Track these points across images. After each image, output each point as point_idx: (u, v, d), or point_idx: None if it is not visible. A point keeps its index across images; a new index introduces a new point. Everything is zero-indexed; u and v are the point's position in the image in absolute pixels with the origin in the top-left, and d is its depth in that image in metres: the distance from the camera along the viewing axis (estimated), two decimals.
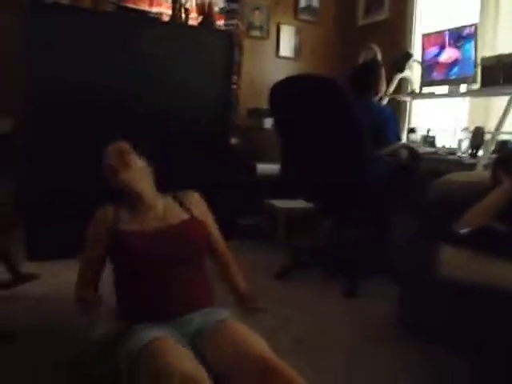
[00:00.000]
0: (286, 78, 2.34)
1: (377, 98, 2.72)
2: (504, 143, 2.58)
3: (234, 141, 3.41)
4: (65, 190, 2.62)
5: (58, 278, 2.33)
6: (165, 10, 3.32)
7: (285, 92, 2.34)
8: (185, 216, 1.49)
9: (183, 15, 3.23)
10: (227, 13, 3.64)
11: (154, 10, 3.31)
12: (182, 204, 1.53)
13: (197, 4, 3.48)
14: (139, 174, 1.45)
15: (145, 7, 3.29)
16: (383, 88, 2.71)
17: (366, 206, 2.39)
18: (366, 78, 2.62)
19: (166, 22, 3.21)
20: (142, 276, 1.35)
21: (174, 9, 3.21)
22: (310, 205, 3.13)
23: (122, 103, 2.77)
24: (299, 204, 3.27)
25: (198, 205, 1.57)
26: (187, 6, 3.27)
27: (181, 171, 2.50)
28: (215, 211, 1.63)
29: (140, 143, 1.51)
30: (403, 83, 3.47)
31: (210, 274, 1.54)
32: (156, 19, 3.15)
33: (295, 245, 3.16)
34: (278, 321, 2.01)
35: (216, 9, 3.57)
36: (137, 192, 1.44)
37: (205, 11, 3.38)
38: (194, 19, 3.39)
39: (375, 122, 2.38)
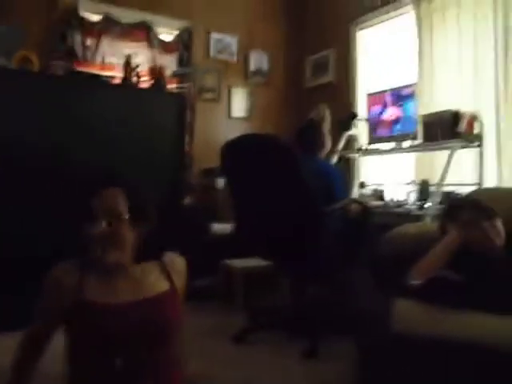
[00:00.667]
0: (237, 138, 2.37)
1: (322, 155, 2.77)
2: (449, 194, 2.68)
3: (187, 201, 3.38)
4: None
5: None
6: (116, 74, 3.36)
7: (235, 151, 2.36)
8: (163, 286, 1.26)
9: (135, 78, 3.27)
10: (179, 76, 3.73)
11: (106, 73, 3.34)
12: (163, 269, 1.30)
13: (149, 68, 3.55)
14: (129, 245, 1.20)
15: (96, 71, 3.33)
16: (328, 145, 2.77)
17: (321, 262, 2.37)
18: (309, 136, 2.68)
19: (116, 85, 3.24)
20: (106, 354, 1.14)
21: (125, 72, 3.25)
22: (267, 263, 3.09)
23: (71, 167, 2.71)
24: (256, 262, 3.22)
25: (181, 274, 1.34)
26: (139, 69, 3.32)
27: None
28: None
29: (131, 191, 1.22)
30: (351, 141, 3.60)
31: (181, 353, 1.37)
32: (106, 82, 3.16)
33: (254, 305, 3.07)
34: None
35: (168, 72, 3.65)
36: (119, 264, 1.20)
37: (156, 75, 3.44)
38: (145, 82, 3.45)
39: (322, 179, 2.42)
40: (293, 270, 2.66)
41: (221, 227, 3.41)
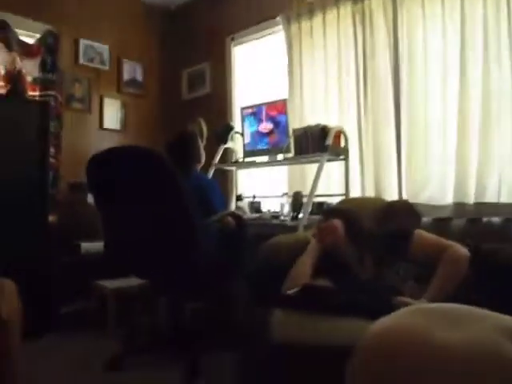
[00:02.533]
0: (104, 150, 2.20)
1: (198, 168, 2.72)
2: (320, 204, 2.82)
3: (53, 218, 3.08)
4: None
5: None
6: None
7: (102, 164, 2.19)
8: None
9: None
10: (42, 83, 3.41)
11: None
12: None
13: (6, 72, 3.19)
14: None
15: None
16: (203, 158, 2.73)
17: (199, 278, 2.31)
18: (182, 149, 2.61)
19: None
20: None
21: None
22: (142, 281, 2.94)
23: None
24: (132, 282, 3.05)
25: (7, 300, 1.25)
26: None
27: None
28: (29, 301, 1.35)
29: None
30: (228, 153, 3.63)
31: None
32: None
33: (129, 328, 2.89)
34: None
35: (29, 78, 3.33)
36: None
37: (14, 80, 3.11)
38: (1, 88, 3.09)
39: (199, 192, 2.36)
40: (169, 287, 2.55)
41: (92, 246, 3.17)
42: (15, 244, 2.67)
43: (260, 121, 3.27)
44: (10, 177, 2.74)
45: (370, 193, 2.81)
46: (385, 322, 0.94)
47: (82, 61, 3.76)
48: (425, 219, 2.39)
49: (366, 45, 2.87)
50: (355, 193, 2.88)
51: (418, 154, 2.62)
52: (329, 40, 3.06)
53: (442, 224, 2.43)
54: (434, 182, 2.56)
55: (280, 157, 3.12)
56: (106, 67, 3.92)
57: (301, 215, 2.66)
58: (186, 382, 2.14)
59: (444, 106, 2.52)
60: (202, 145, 2.70)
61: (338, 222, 1.80)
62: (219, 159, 3.46)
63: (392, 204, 2.36)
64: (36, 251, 2.80)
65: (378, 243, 1.78)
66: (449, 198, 2.48)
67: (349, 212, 1.94)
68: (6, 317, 1.23)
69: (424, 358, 0.80)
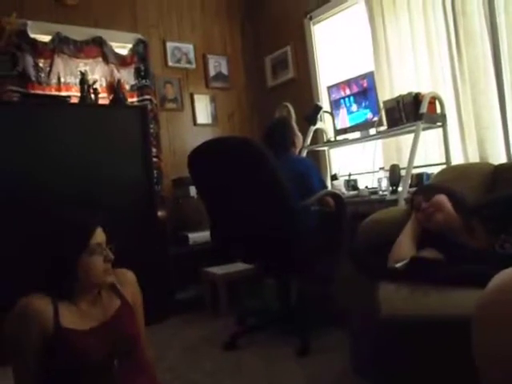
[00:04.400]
0: (203, 143, 2.34)
1: (296, 152, 2.77)
2: (419, 176, 2.72)
3: (161, 214, 3.32)
4: None
5: None
6: (73, 93, 3.28)
7: (203, 156, 2.33)
8: (117, 302, 1.36)
9: (92, 96, 3.20)
10: (139, 89, 3.67)
11: (63, 93, 3.26)
12: (112, 285, 1.38)
13: (106, 84, 3.49)
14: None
15: (52, 92, 3.25)
16: (300, 141, 2.77)
17: (302, 258, 2.36)
18: (280, 133, 2.67)
19: (74, 104, 3.15)
20: (81, 376, 1.21)
21: (82, 90, 3.17)
22: (249, 266, 3.06)
23: (37, 196, 2.66)
24: (238, 267, 3.20)
25: (130, 287, 1.42)
26: (96, 86, 3.25)
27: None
28: (148, 290, 1.51)
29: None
30: (319, 134, 3.62)
31: (151, 362, 1.43)
32: (64, 102, 3.07)
33: (240, 310, 3.04)
34: None
35: (127, 86, 3.60)
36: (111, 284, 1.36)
37: (115, 90, 3.38)
38: (104, 99, 3.38)
39: (298, 175, 2.40)
40: (273, 270, 2.64)
41: (198, 236, 3.37)
42: (131, 239, 2.92)
43: (347, 97, 3.21)
44: (119, 178, 2.99)
45: (474, 159, 2.64)
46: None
47: (170, 63, 3.96)
48: None
49: (455, 0, 2.67)
50: (456, 160, 2.73)
51: None
52: (412, 0, 2.90)
53: None
54: None
55: (372, 131, 3.04)
56: (193, 66, 4.09)
57: (400, 188, 2.59)
58: (298, 357, 2.21)
59: None
60: (296, 128, 2.74)
61: (443, 198, 1.70)
62: (311, 141, 3.47)
63: (500, 167, 2.20)
64: (149, 244, 3.04)
65: (489, 211, 1.68)
66: None
67: (448, 186, 1.84)
68: (131, 301, 1.39)
69: None
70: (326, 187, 2.78)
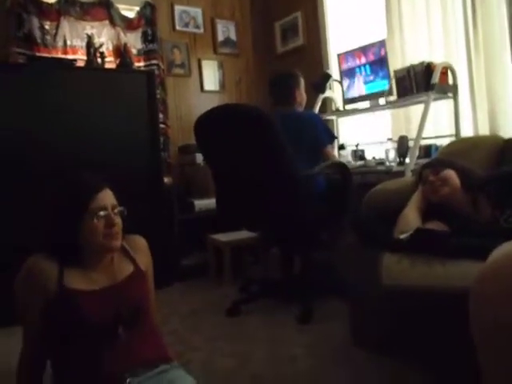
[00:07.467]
0: (209, 110, 2.31)
1: (300, 109, 2.72)
2: (427, 147, 2.69)
3: (167, 180, 3.33)
4: None
5: None
6: (80, 57, 3.24)
7: (209, 124, 2.31)
8: (129, 268, 1.33)
9: (99, 59, 3.15)
10: (146, 54, 3.62)
11: (69, 57, 3.22)
12: (126, 251, 1.36)
13: (112, 47, 3.43)
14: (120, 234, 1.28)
15: (58, 55, 3.22)
16: (303, 99, 2.72)
17: (305, 229, 2.37)
18: (284, 81, 2.63)
19: (80, 67, 3.12)
20: (86, 339, 1.19)
21: (88, 54, 3.13)
22: (253, 234, 3.09)
23: (42, 156, 2.66)
24: (243, 235, 3.22)
25: (142, 254, 1.41)
26: (102, 49, 3.20)
27: None
28: (155, 256, 1.49)
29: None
30: (327, 103, 3.57)
31: (158, 328, 1.45)
32: (70, 65, 3.04)
33: (244, 277, 3.09)
34: (236, 358, 1.92)
35: (133, 51, 3.54)
36: (117, 249, 1.29)
37: (121, 54, 3.33)
38: (110, 63, 3.33)
39: (302, 130, 2.38)
40: (276, 238, 2.66)
41: (204, 203, 3.38)
42: (137, 205, 2.93)
43: (358, 66, 3.15)
44: (126, 144, 2.98)
45: (484, 131, 2.60)
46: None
47: (178, 27, 3.89)
48: None
49: None
50: (466, 132, 2.69)
51: None
52: None
53: None
54: None
55: (382, 101, 2.99)
56: (201, 30, 4.01)
57: (407, 160, 2.57)
58: (299, 325, 2.25)
59: None
60: (303, 88, 2.69)
61: (452, 173, 1.70)
62: (319, 109, 3.42)
63: (510, 141, 2.16)
64: (156, 210, 3.06)
65: (495, 185, 1.67)
66: None
67: (457, 162, 1.82)
68: (143, 268, 1.38)
69: None
70: (334, 139, 2.74)
